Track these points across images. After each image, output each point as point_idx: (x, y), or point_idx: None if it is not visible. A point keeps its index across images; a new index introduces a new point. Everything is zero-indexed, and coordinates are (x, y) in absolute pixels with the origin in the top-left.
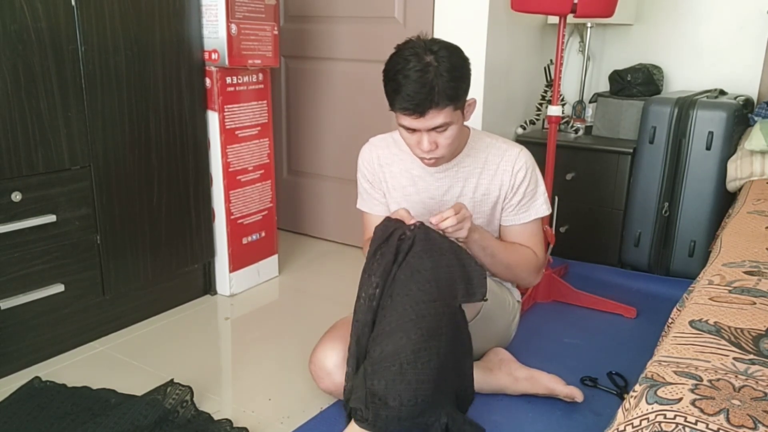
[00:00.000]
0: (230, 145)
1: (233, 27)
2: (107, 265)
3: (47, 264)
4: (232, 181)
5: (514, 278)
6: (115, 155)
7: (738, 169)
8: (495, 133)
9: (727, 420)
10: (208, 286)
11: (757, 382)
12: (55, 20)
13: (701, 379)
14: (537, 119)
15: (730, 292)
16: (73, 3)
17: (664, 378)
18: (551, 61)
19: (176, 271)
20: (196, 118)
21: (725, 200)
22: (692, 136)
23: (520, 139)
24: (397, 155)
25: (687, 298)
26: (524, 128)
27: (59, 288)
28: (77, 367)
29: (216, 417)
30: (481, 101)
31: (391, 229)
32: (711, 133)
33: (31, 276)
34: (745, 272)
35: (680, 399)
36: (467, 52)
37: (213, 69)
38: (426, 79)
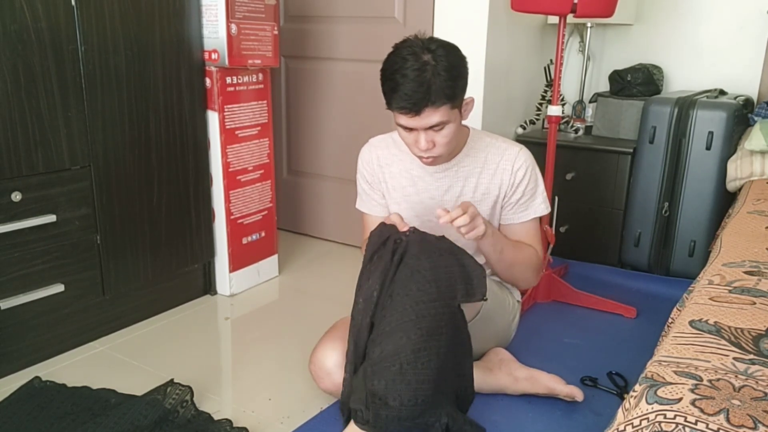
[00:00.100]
0: (230, 145)
1: (233, 27)
2: (107, 265)
3: (47, 264)
4: (232, 181)
5: (514, 277)
6: (115, 155)
7: (738, 169)
8: (495, 133)
9: (727, 420)
10: (208, 286)
11: (757, 382)
12: (55, 20)
13: (701, 379)
14: (537, 119)
15: (730, 292)
16: (73, 3)
17: (664, 378)
18: (551, 61)
19: (176, 271)
20: (196, 118)
21: (725, 200)
22: (692, 136)
23: (520, 139)
24: (397, 155)
25: (687, 298)
26: (524, 128)
27: (59, 288)
28: (77, 367)
29: (216, 417)
30: (481, 101)
31: (387, 234)
32: (711, 133)
33: (31, 276)
34: (745, 272)
35: (680, 399)
36: (467, 52)
37: (213, 69)
38: (423, 77)
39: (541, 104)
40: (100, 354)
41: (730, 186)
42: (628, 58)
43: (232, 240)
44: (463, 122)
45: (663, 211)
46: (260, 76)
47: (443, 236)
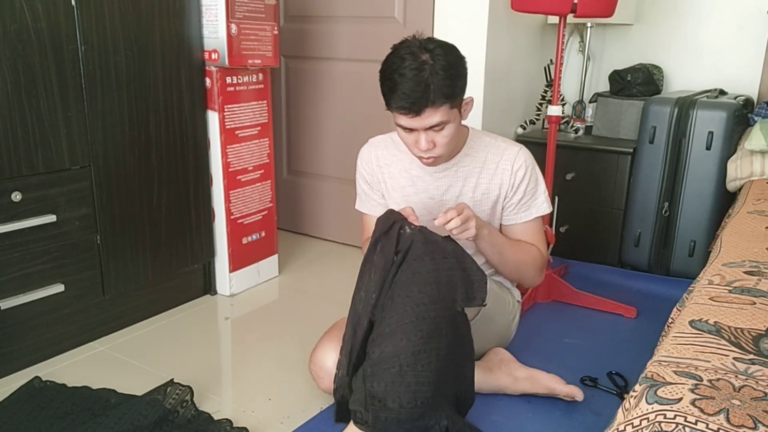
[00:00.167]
0: (230, 145)
1: (233, 27)
2: (107, 265)
3: (47, 264)
4: (232, 181)
5: (521, 276)
6: (115, 155)
7: (738, 169)
8: (495, 133)
9: (727, 420)
10: (208, 286)
11: (757, 382)
12: (55, 20)
13: (701, 379)
14: (537, 119)
15: (730, 292)
16: (73, 3)
17: (664, 378)
18: (551, 61)
19: (176, 271)
20: (196, 118)
21: (725, 200)
22: (692, 136)
23: (520, 139)
24: (396, 156)
25: (687, 298)
26: (524, 128)
27: (59, 288)
28: (77, 367)
29: (216, 417)
30: (481, 101)
31: (392, 220)
32: (711, 133)
33: (31, 276)
34: (745, 272)
35: (680, 399)
36: (467, 52)
37: (213, 69)
38: (421, 77)
39: (541, 104)
40: (100, 354)
41: (730, 186)
42: (628, 58)
43: (232, 240)
44: (463, 122)
45: (663, 211)
46: (260, 76)
47: (449, 237)
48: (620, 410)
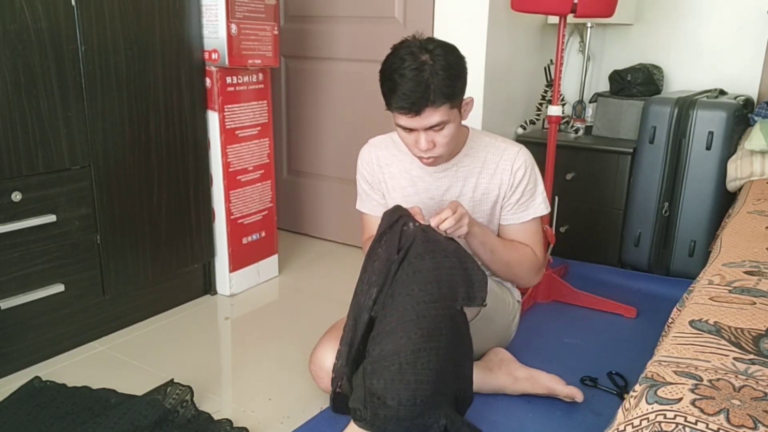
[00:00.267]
0: (230, 145)
1: (233, 27)
2: (107, 265)
3: (47, 264)
4: (232, 181)
5: (514, 277)
6: (115, 155)
7: (738, 169)
8: (495, 133)
9: (727, 420)
10: (208, 286)
11: (757, 382)
12: (55, 20)
13: (701, 379)
14: (537, 119)
15: (730, 292)
16: (73, 3)
17: (664, 378)
18: (551, 61)
19: (176, 271)
20: (196, 118)
21: (725, 200)
22: (692, 136)
23: (520, 139)
24: (396, 156)
25: (687, 298)
26: (524, 128)
27: (59, 288)
28: (77, 367)
29: (216, 417)
30: (481, 101)
31: (398, 215)
32: (711, 133)
33: (31, 276)
34: (745, 272)
35: (680, 399)
36: (467, 52)
37: (213, 69)
38: (421, 77)
39: (541, 104)
40: (100, 354)
41: (730, 186)
42: (628, 58)
43: (232, 240)
44: (463, 122)
45: (663, 211)
46: (260, 76)
47: (451, 237)
48: (620, 410)
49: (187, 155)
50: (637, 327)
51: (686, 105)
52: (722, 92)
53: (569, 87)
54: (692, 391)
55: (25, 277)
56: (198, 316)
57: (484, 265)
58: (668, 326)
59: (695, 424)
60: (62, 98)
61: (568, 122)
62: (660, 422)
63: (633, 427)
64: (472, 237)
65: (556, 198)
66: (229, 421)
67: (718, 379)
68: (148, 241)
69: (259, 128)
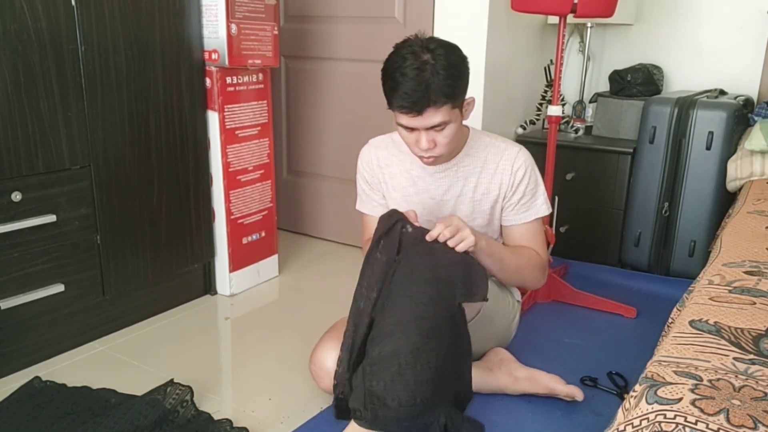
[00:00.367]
0: (230, 145)
1: (233, 27)
2: (107, 265)
3: (47, 264)
4: (232, 181)
5: (523, 281)
6: (115, 155)
7: (738, 169)
8: (495, 133)
9: (727, 420)
10: (208, 286)
11: (757, 382)
12: (55, 20)
13: (701, 379)
14: (537, 119)
15: (730, 292)
16: (73, 3)
17: (664, 378)
18: (551, 61)
19: (176, 271)
20: (196, 118)
21: (725, 200)
22: (692, 136)
23: (520, 139)
24: (397, 156)
25: (687, 298)
26: (524, 128)
27: (59, 288)
28: (77, 367)
29: (216, 417)
30: (481, 101)
31: (395, 219)
32: (711, 133)
33: (31, 276)
34: (745, 272)
35: (680, 399)
36: (467, 52)
37: (213, 69)
38: (423, 77)
39: (541, 104)
40: (100, 354)
41: (730, 186)
42: (628, 58)
43: (232, 240)
44: (463, 122)
45: (663, 211)
46: (260, 76)
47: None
48: (620, 410)
49: (187, 155)
50: (637, 327)
51: (686, 105)
52: (722, 92)
53: (569, 87)
54: (692, 391)
55: (25, 277)
56: (198, 316)
57: (494, 276)
58: (668, 326)
59: (695, 424)
60: (62, 98)
61: (568, 122)
62: (660, 422)
63: (633, 427)
64: (480, 251)
65: (556, 198)
66: (229, 421)
67: (718, 379)
68: (148, 241)
69: (259, 128)
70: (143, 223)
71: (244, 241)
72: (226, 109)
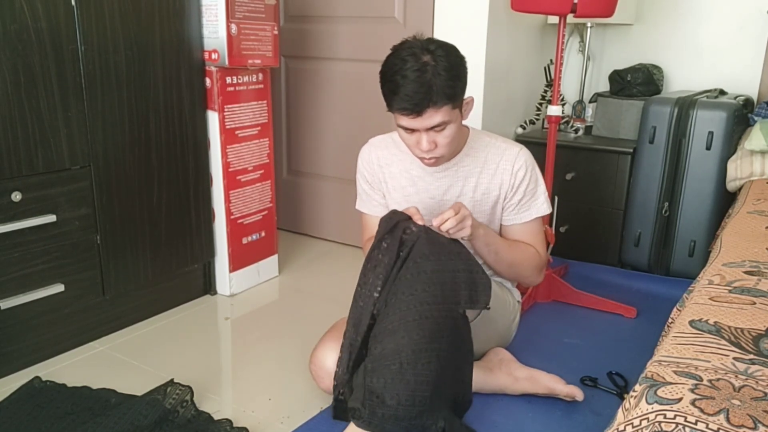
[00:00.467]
0: (230, 145)
1: (233, 27)
2: (107, 265)
3: (47, 264)
4: (232, 181)
5: (517, 276)
6: (115, 155)
7: (738, 169)
8: (495, 133)
9: (727, 420)
10: (208, 286)
11: (757, 382)
12: (55, 20)
13: (701, 379)
14: (537, 119)
15: (730, 291)
16: (73, 3)
17: (664, 378)
18: (551, 61)
19: (176, 271)
20: (196, 118)
21: (725, 200)
22: (692, 136)
23: (520, 139)
24: (397, 156)
25: (687, 298)
26: (524, 128)
27: (59, 288)
28: (77, 367)
29: (216, 417)
30: (481, 101)
31: (396, 220)
32: (711, 133)
33: (31, 276)
34: (745, 272)
35: (680, 399)
36: (467, 52)
37: (213, 69)
38: (424, 78)
39: (541, 104)
40: (100, 354)
41: (730, 186)
42: (628, 58)
43: (232, 240)
44: (463, 122)
45: (663, 211)
46: (260, 76)
47: (457, 240)
48: (620, 410)
49: (187, 155)
50: (637, 327)
51: (686, 105)
52: (722, 92)
53: (569, 87)
54: (692, 391)
55: (25, 277)
56: (198, 316)
57: (488, 266)
58: (668, 326)
59: (695, 424)
60: (62, 98)
61: (568, 122)
62: (660, 422)
63: (633, 427)
64: (476, 239)
65: (556, 198)
66: (229, 421)
67: (718, 379)
68: (148, 241)
69: (259, 128)
70: (143, 223)
71: (244, 241)
72: (226, 109)
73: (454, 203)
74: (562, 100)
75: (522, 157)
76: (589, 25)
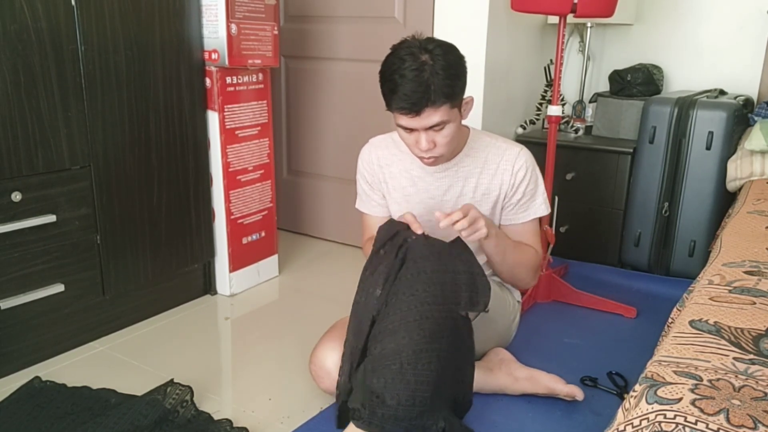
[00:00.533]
0: (230, 145)
1: (233, 27)
2: (107, 265)
3: (47, 264)
4: (232, 181)
5: (515, 278)
6: (115, 155)
7: (738, 169)
8: (495, 133)
9: (727, 420)
10: (208, 286)
11: (757, 382)
12: (55, 20)
13: (701, 379)
14: (537, 119)
15: (730, 291)
16: (73, 3)
17: (664, 378)
18: (551, 61)
19: (176, 271)
20: (196, 118)
21: (725, 200)
22: (692, 136)
23: (520, 139)
24: (397, 156)
25: (687, 298)
26: (524, 128)
27: (59, 288)
28: (77, 367)
29: (216, 417)
30: (481, 101)
31: (395, 229)
32: (711, 133)
33: (31, 276)
34: (745, 272)
35: (680, 399)
36: (467, 52)
37: (213, 69)
38: (422, 77)
39: (541, 104)
40: (100, 354)
41: (730, 186)
42: (628, 58)
43: (232, 240)
44: (463, 122)
45: (663, 211)
46: (260, 76)
47: (458, 239)
48: (620, 410)
49: (187, 155)
50: (637, 327)
51: (686, 105)
52: (722, 92)
53: (569, 87)
54: (692, 391)
55: (25, 277)
56: (198, 316)
57: (488, 266)
58: (668, 326)
59: (695, 424)
60: (62, 98)
61: (568, 122)
62: (660, 422)
63: (633, 427)
64: (490, 240)
65: (556, 198)
66: (229, 421)
67: (718, 379)
68: (148, 241)
69: (259, 128)
70: (143, 223)
71: (244, 241)
72: (226, 109)
73: (463, 205)
74: (562, 100)
75: (522, 157)
76: (589, 25)
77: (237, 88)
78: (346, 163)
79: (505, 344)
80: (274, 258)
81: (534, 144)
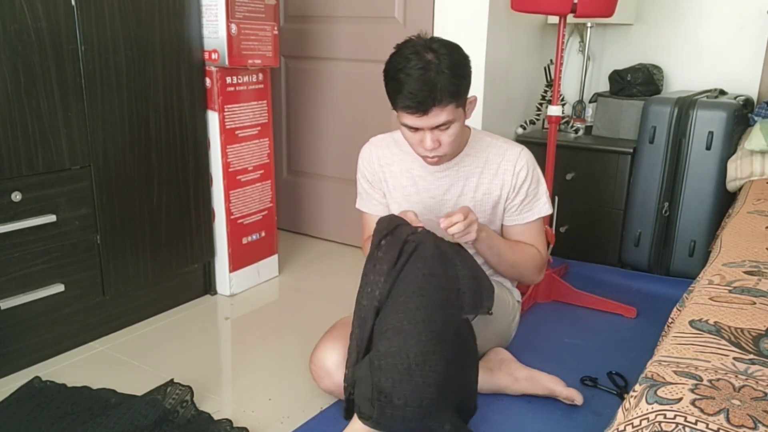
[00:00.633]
0: (230, 145)
1: (233, 27)
2: (107, 265)
3: (47, 264)
4: (232, 181)
5: (519, 276)
6: (115, 155)
7: (738, 169)
8: (495, 133)
9: (727, 420)
10: (208, 286)
11: (757, 382)
12: (55, 20)
13: (701, 379)
14: (537, 119)
15: (730, 291)
16: (73, 3)
17: (664, 378)
18: (551, 61)
19: (176, 271)
20: (196, 118)
21: (725, 200)
22: (692, 136)
23: (520, 139)
24: (398, 155)
25: (687, 298)
26: (524, 128)
27: (59, 288)
28: (77, 367)
29: (216, 417)
30: (481, 101)
31: (396, 223)
32: (711, 133)
33: (31, 276)
34: (745, 272)
35: (680, 399)
36: (467, 52)
37: (213, 69)
38: (428, 76)
39: (541, 104)
40: (100, 354)
41: (730, 186)
42: (628, 58)
43: (232, 240)
44: (465, 122)
45: (663, 211)
46: (260, 76)
47: (459, 244)
48: (620, 410)
49: (187, 155)
50: (637, 327)
51: (686, 105)
52: (722, 92)
53: (569, 87)
54: (692, 391)
55: (25, 277)
56: (198, 316)
57: (489, 266)
58: (668, 326)
59: (695, 424)
60: (62, 98)
61: (568, 122)
62: (660, 422)
63: (633, 427)
64: (480, 242)
65: (556, 198)
66: (229, 421)
67: (718, 379)
68: (148, 241)
69: (259, 128)
70: (143, 223)
71: (244, 241)
72: (226, 109)
73: (462, 207)
74: (562, 100)
75: (523, 157)
76: (589, 25)
77: (237, 88)
78: (346, 163)
79: (505, 344)
80: (274, 258)
81: (534, 144)
